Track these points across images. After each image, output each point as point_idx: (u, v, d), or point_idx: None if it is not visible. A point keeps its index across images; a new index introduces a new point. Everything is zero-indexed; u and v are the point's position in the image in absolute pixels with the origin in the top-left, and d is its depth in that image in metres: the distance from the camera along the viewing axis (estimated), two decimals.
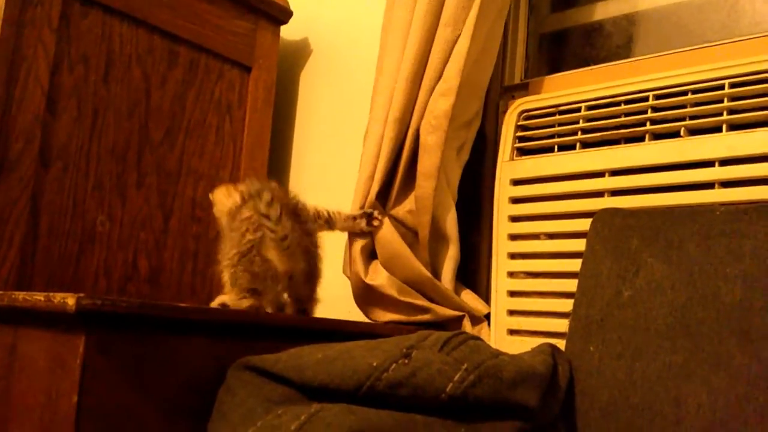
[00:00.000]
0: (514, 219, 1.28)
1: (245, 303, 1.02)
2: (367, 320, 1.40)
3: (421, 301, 1.29)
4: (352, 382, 0.76)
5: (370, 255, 1.35)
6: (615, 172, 1.18)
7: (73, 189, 1.27)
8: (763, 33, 1.18)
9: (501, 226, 1.28)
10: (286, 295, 1.11)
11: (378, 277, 1.31)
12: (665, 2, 1.37)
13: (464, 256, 1.35)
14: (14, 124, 1.19)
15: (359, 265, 1.32)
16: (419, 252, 1.30)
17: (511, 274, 1.27)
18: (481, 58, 1.30)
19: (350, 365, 0.78)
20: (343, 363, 0.78)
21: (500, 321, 1.26)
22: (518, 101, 1.33)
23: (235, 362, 0.87)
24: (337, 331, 1.09)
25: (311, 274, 1.11)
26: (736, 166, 1.06)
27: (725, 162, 1.08)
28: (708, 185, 1.08)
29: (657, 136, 1.16)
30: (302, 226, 1.08)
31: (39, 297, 0.82)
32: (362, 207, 1.32)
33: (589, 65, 1.34)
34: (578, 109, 1.24)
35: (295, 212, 1.09)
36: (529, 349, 0.94)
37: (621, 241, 0.99)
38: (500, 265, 1.28)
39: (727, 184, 1.07)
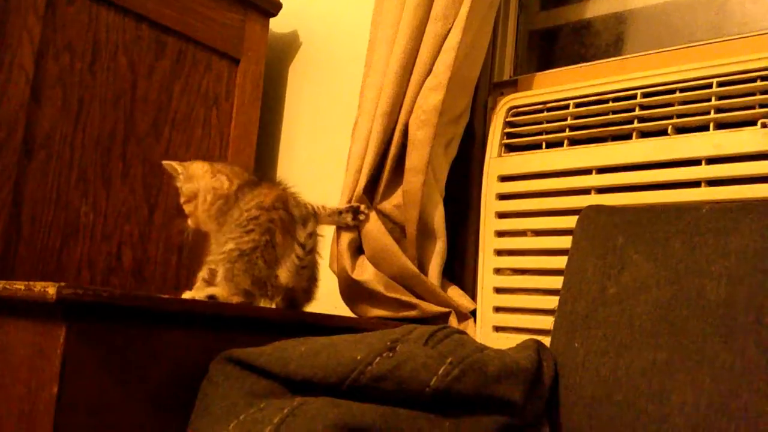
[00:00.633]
0: (501, 215, 1.28)
1: (235, 300, 1.01)
2: (352, 315, 1.40)
3: (408, 297, 1.28)
4: (335, 375, 0.76)
5: (357, 250, 1.34)
6: (602, 170, 1.18)
7: (56, 179, 1.26)
8: (751, 33, 1.18)
9: (488, 223, 1.28)
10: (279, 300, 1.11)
11: (365, 272, 1.30)
12: (654, 1, 1.37)
13: (451, 252, 1.35)
14: None
15: (346, 260, 1.31)
16: (407, 247, 1.30)
17: (498, 271, 1.27)
18: (471, 53, 1.30)
19: (334, 358, 0.77)
20: (327, 356, 0.78)
21: (486, 317, 1.26)
22: (507, 98, 1.33)
23: (219, 355, 0.86)
24: (323, 325, 1.09)
25: (309, 289, 1.11)
26: (723, 165, 1.07)
27: (712, 160, 1.08)
28: (694, 183, 1.09)
29: (644, 134, 1.17)
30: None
31: (19, 286, 0.81)
32: (350, 201, 1.31)
33: (578, 63, 1.34)
34: (566, 107, 1.24)
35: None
36: (515, 345, 0.94)
37: (607, 238, 0.99)
38: (486, 261, 1.28)
39: (713, 182, 1.07)
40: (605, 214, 1.03)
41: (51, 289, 0.77)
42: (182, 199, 1.14)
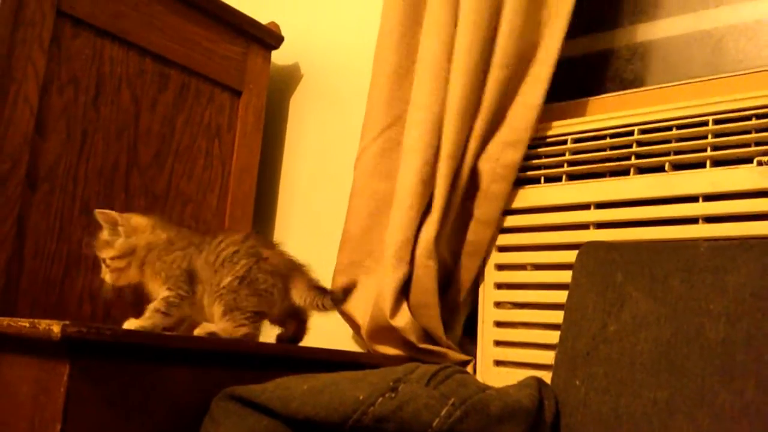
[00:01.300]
0: (501, 249, 1.29)
1: (241, 331, 1.02)
2: (353, 350, 1.40)
3: (437, 348, 1.27)
4: (337, 415, 0.76)
5: (401, 295, 1.29)
6: (600, 205, 1.19)
7: (59, 211, 1.27)
8: (746, 70, 1.20)
9: (488, 256, 1.29)
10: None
11: (403, 319, 1.26)
12: (650, 38, 1.40)
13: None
14: (2, 145, 1.19)
15: (387, 303, 1.26)
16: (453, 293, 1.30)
17: (498, 305, 1.27)
18: None
19: (336, 398, 0.78)
20: (329, 395, 0.78)
21: (486, 351, 1.26)
22: None
23: (221, 392, 0.86)
24: (324, 360, 1.09)
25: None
26: (720, 202, 1.08)
27: (709, 197, 1.09)
28: (692, 220, 1.10)
29: (642, 170, 1.18)
30: None
31: (24, 323, 0.81)
32: (403, 242, 1.27)
33: (574, 99, 1.36)
34: (564, 142, 1.26)
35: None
36: (515, 383, 0.95)
37: (606, 274, 1.00)
38: (487, 294, 1.28)
39: (710, 219, 1.09)
40: (604, 250, 1.04)
41: (56, 327, 0.77)
42: (112, 253, 1.09)
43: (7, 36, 1.21)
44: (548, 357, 1.14)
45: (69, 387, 0.79)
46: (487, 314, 1.27)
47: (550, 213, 1.23)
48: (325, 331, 1.50)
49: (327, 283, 1.40)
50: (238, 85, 1.60)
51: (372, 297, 1.33)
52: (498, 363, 1.25)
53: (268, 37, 1.65)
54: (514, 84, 1.29)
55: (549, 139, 1.28)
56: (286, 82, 1.80)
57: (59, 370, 0.80)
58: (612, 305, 0.97)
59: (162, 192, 1.44)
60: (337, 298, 1.08)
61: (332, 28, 1.75)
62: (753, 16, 1.30)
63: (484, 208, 1.28)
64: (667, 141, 1.16)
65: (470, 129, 1.29)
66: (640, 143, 1.19)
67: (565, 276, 1.12)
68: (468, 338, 1.34)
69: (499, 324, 1.26)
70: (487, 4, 1.28)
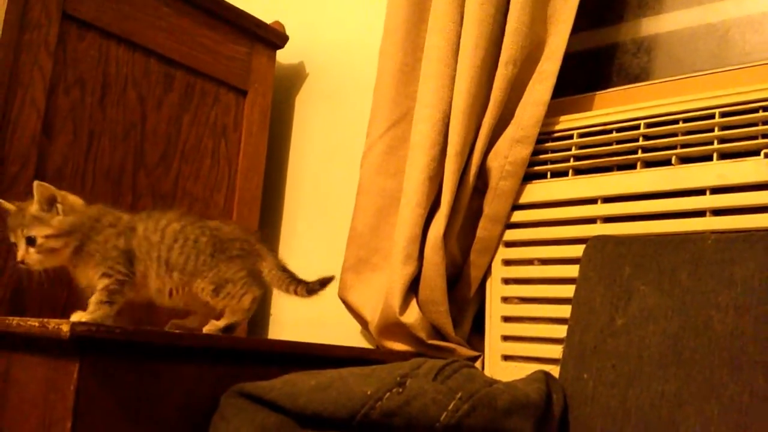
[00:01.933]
0: (508, 244, 1.28)
1: (247, 300, 1.03)
2: (361, 346, 1.40)
3: (446, 344, 1.28)
4: (345, 410, 0.76)
5: (410, 291, 1.29)
6: (607, 199, 1.19)
7: None
8: (753, 63, 1.20)
9: (495, 251, 1.29)
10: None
11: (412, 315, 1.27)
12: (656, 31, 1.39)
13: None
14: (10, 147, 1.19)
15: (396, 300, 1.26)
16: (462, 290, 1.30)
17: (505, 300, 1.27)
18: None
19: (344, 393, 0.78)
20: (336, 391, 0.79)
21: (494, 346, 1.26)
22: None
23: (229, 389, 0.87)
24: (333, 356, 1.10)
25: None
26: (727, 195, 1.08)
27: (716, 190, 1.09)
28: (699, 213, 1.09)
29: (649, 164, 1.18)
30: None
31: (33, 323, 0.82)
32: (411, 238, 1.27)
33: (581, 93, 1.36)
34: (570, 136, 1.26)
35: None
36: (523, 377, 0.95)
37: (613, 268, 1.00)
38: (494, 290, 1.28)
39: (718, 212, 1.08)
40: (612, 244, 1.04)
41: (65, 326, 0.78)
42: (48, 231, 0.99)
43: (14, 40, 1.22)
44: (556, 351, 1.14)
45: (79, 385, 0.79)
46: (494, 309, 1.27)
47: (557, 208, 1.23)
48: (333, 327, 1.51)
49: (335, 281, 1.41)
50: (244, 84, 1.60)
51: (380, 293, 1.33)
52: (506, 358, 1.25)
53: (273, 37, 1.66)
54: (522, 80, 1.29)
55: (555, 134, 1.28)
56: (291, 81, 1.80)
57: (69, 368, 0.80)
58: (619, 299, 0.97)
59: (169, 192, 1.45)
60: (313, 289, 1.07)
61: (337, 26, 1.75)
62: (759, 9, 1.29)
63: (493, 205, 1.28)
64: (674, 134, 1.16)
65: (478, 126, 1.29)
66: (646, 137, 1.18)
67: (573, 270, 1.11)
68: (476, 334, 1.35)
69: (506, 319, 1.26)
70: (494, 1, 1.27)
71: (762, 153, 1.06)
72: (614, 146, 1.21)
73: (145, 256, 1.02)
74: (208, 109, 1.54)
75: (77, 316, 0.96)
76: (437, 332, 1.30)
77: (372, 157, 1.40)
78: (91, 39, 1.34)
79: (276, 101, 1.72)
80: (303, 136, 1.76)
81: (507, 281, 1.28)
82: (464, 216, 1.29)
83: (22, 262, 1.00)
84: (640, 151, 1.18)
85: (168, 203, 1.44)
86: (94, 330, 0.79)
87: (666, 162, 1.16)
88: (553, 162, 1.27)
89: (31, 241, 0.99)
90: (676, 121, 1.16)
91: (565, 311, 1.12)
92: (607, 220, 1.18)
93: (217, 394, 0.88)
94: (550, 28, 1.30)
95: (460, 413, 0.75)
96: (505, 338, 1.26)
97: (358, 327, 1.47)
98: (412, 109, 1.37)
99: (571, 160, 1.25)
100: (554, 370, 1.00)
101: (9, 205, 1.02)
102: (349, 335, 1.49)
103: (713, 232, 1.02)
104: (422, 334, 1.27)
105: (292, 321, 1.56)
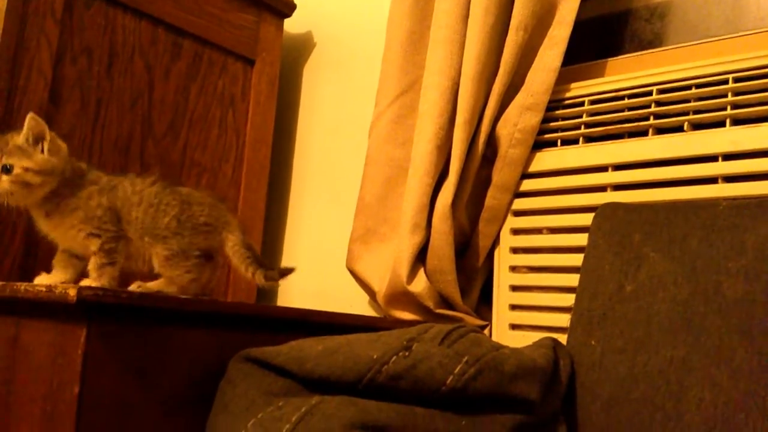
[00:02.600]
0: (517, 213, 1.28)
1: (187, 278, 1.00)
2: (366, 314, 1.40)
3: (454, 313, 1.28)
4: (352, 374, 0.76)
5: (417, 260, 1.29)
6: (618, 167, 1.17)
7: None
8: (767, 28, 1.17)
9: (504, 220, 1.28)
10: None
11: (419, 284, 1.27)
12: None
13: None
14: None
15: (403, 269, 1.26)
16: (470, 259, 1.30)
17: (514, 269, 1.27)
18: None
19: (351, 357, 0.78)
20: (343, 355, 0.79)
21: (502, 315, 1.26)
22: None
23: (236, 354, 0.87)
24: (340, 324, 1.09)
25: None
26: (740, 161, 1.06)
27: (728, 157, 1.07)
28: (711, 180, 1.08)
29: (660, 130, 1.16)
30: None
31: (41, 288, 0.82)
32: (419, 207, 1.26)
33: (592, 60, 1.34)
34: (581, 103, 1.24)
35: None
36: (531, 343, 0.94)
37: (623, 235, 0.99)
38: (502, 259, 1.28)
39: (730, 179, 1.07)
40: (622, 211, 1.03)
41: (72, 291, 0.78)
42: (29, 165, 0.94)
43: (20, 7, 1.21)
44: (564, 320, 1.14)
45: (86, 350, 0.80)
46: (502, 278, 1.27)
47: (567, 176, 1.22)
48: (341, 298, 1.51)
49: (343, 250, 1.41)
50: (251, 54, 1.59)
51: (387, 263, 1.33)
52: (514, 327, 1.25)
53: (281, 5, 1.64)
54: (533, 47, 1.27)
55: (566, 102, 1.26)
56: (299, 51, 1.79)
57: (76, 333, 0.80)
58: (629, 266, 0.96)
59: (177, 162, 1.45)
60: (272, 278, 1.02)
61: None
62: None
63: (502, 174, 1.27)
64: (686, 100, 1.14)
65: (487, 93, 1.27)
66: (658, 103, 1.16)
67: (581, 239, 1.11)
68: (484, 304, 1.34)
69: (514, 288, 1.26)
70: None
71: None
72: (626, 113, 1.19)
73: (127, 218, 0.99)
74: (216, 79, 1.53)
75: (85, 282, 0.95)
76: (445, 301, 1.30)
77: (380, 126, 1.39)
78: (98, 7, 1.33)
79: (284, 71, 1.71)
80: (311, 105, 1.75)
81: (515, 250, 1.27)
82: (473, 185, 1.28)
83: None
84: (652, 117, 1.16)
85: (176, 173, 1.44)
86: (101, 294, 0.79)
87: (678, 128, 1.14)
88: (563, 129, 1.26)
89: (6, 170, 0.94)
90: (688, 87, 1.14)
91: (573, 280, 1.12)
92: (618, 188, 1.17)
93: (224, 360, 0.88)
94: None
95: (466, 377, 0.75)
96: (513, 307, 1.25)
97: (365, 297, 1.47)
98: (420, 78, 1.35)
99: (582, 127, 1.23)
100: (562, 339, 1.00)
101: None
102: (357, 305, 1.49)
103: (725, 198, 1.01)
104: (430, 303, 1.27)
105: (300, 291, 1.56)
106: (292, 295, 1.58)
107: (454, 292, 1.27)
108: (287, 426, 0.72)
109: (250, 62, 1.60)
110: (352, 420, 0.71)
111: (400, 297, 1.30)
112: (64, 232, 0.99)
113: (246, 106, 1.59)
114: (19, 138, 0.96)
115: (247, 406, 0.79)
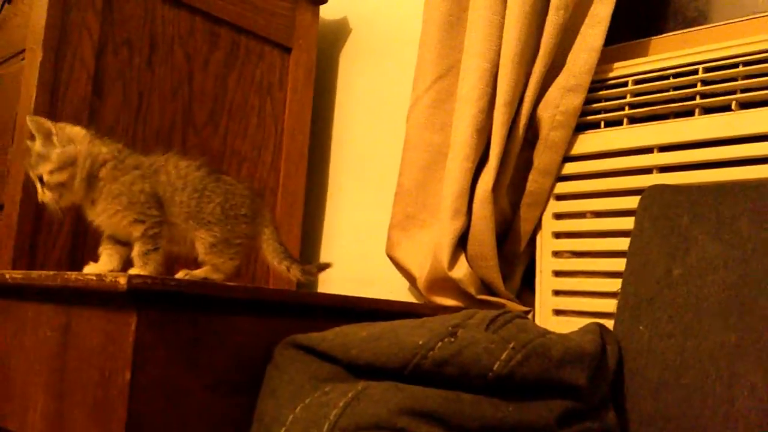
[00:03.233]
0: (559, 197, 1.26)
1: (231, 264, 1.03)
2: (408, 300, 1.40)
3: (496, 299, 1.27)
4: (397, 360, 0.76)
5: (458, 245, 1.28)
6: (663, 148, 1.15)
7: None
8: None
9: (546, 205, 1.27)
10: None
11: (461, 270, 1.26)
12: None
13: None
14: (63, 108, 1.22)
15: (445, 255, 1.25)
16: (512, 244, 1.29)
17: (556, 254, 1.25)
18: None
19: (396, 343, 0.78)
20: (388, 341, 0.79)
21: (545, 301, 1.25)
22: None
23: (282, 340, 0.88)
24: (382, 310, 1.10)
25: None
26: None
27: None
28: (761, 160, 1.05)
29: (707, 110, 1.13)
30: None
31: (91, 276, 0.84)
32: (460, 192, 1.25)
33: (636, 39, 1.31)
34: (625, 84, 1.22)
35: None
36: (576, 329, 0.93)
37: (671, 218, 0.97)
38: (545, 244, 1.26)
39: None
40: (669, 193, 1.01)
41: (122, 279, 0.79)
42: (50, 167, 0.96)
43: (61, 1, 1.23)
44: (608, 305, 1.13)
45: (137, 336, 0.81)
46: (545, 264, 1.26)
47: (611, 158, 1.20)
48: (381, 285, 1.51)
49: (382, 237, 1.41)
50: (288, 41, 1.59)
51: (428, 250, 1.33)
52: (557, 312, 1.23)
53: None
54: (574, 26, 1.24)
55: (609, 82, 1.24)
56: (335, 37, 1.78)
57: (127, 320, 0.82)
58: (677, 249, 0.94)
59: (218, 151, 1.46)
60: (309, 272, 1.06)
61: None
62: None
63: (543, 157, 1.25)
64: (734, 79, 1.11)
65: (528, 75, 1.25)
66: (704, 82, 1.13)
67: (627, 223, 1.09)
68: (526, 289, 1.33)
69: (557, 273, 1.24)
70: None
71: None
72: (671, 93, 1.16)
73: (170, 202, 1.00)
74: (253, 67, 1.54)
75: (133, 270, 0.97)
76: (486, 287, 1.29)
77: (418, 111, 1.38)
78: None
79: (320, 58, 1.71)
80: (348, 92, 1.75)
81: (558, 235, 1.26)
82: (514, 169, 1.27)
83: (42, 203, 0.98)
84: (698, 97, 1.14)
85: (217, 162, 1.45)
86: (150, 282, 0.81)
87: (725, 108, 1.11)
88: (606, 111, 1.24)
89: (41, 180, 0.97)
90: (736, 65, 1.11)
91: (618, 265, 1.10)
92: (664, 170, 1.14)
93: (270, 346, 0.89)
94: None
95: (513, 362, 0.74)
96: (556, 293, 1.24)
97: (405, 284, 1.47)
98: (458, 61, 1.34)
99: (626, 108, 1.21)
100: (607, 324, 0.98)
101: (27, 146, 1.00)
102: (396, 292, 1.49)
103: None
104: (471, 290, 1.26)
105: (340, 279, 1.57)
106: (332, 282, 1.58)
107: (496, 278, 1.26)
108: (335, 411, 0.72)
109: (287, 50, 1.60)
110: (399, 405, 0.72)
111: (441, 283, 1.30)
112: (108, 218, 1.00)
113: (283, 95, 1.59)
114: (36, 145, 0.97)
115: (294, 392, 0.80)
